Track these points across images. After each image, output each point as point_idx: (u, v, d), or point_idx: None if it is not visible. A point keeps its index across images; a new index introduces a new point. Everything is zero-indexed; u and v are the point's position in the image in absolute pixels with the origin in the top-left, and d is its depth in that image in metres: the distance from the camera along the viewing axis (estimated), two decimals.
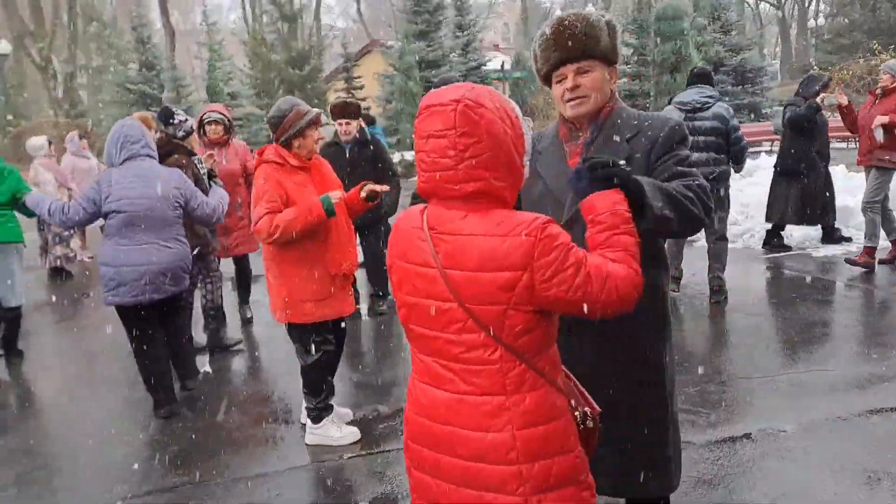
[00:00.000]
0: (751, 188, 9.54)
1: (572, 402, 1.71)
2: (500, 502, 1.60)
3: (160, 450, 3.96)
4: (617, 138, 2.02)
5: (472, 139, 1.57)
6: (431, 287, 1.62)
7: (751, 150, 18.05)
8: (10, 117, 27.70)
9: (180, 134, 5.14)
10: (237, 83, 26.03)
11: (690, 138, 5.65)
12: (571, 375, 1.78)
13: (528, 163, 1.70)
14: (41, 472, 3.83)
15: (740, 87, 24.02)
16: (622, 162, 1.72)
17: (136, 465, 3.80)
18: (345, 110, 5.48)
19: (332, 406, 3.89)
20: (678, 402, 3.97)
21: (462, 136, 1.57)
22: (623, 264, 1.62)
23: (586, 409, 1.72)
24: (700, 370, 4.49)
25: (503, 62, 28.09)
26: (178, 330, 4.65)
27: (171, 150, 5.03)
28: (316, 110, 3.78)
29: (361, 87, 26.99)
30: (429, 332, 1.67)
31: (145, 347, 4.34)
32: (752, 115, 23.31)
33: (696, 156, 5.72)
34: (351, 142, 5.64)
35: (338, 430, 3.87)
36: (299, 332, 3.74)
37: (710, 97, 5.78)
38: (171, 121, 5.14)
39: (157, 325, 4.40)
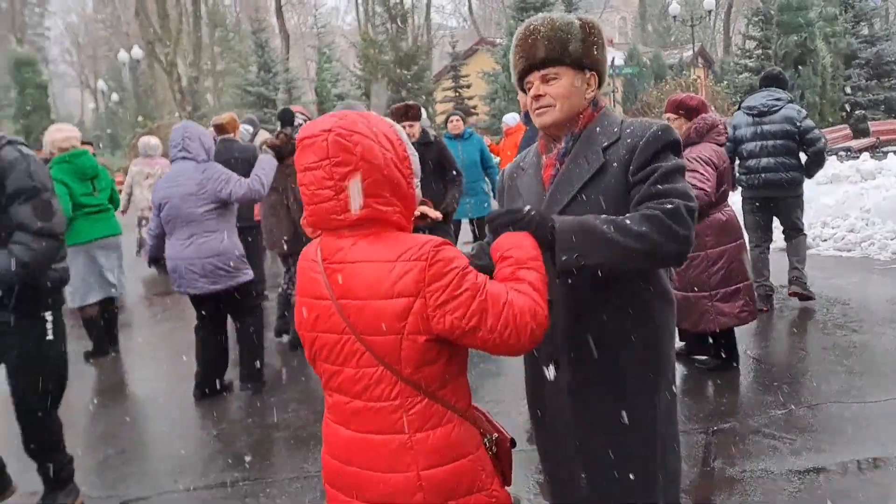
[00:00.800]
0: (874, 192, 8.68)
1: (481, 430, 1.61)
2: None
3: (226, 444, 4.08)
4: (593, 147, 1.83)
5: (348, 167, 1.51)
6: (328, 320, 1.56)
7: (884, 149, 16.63)
8: (139, 118, 29.84)
9: (297, 135, 5.49)
10: (346, 84, 26.69)
11: (756, 143, 5.38)
12: (479, 408, 1.68)
13: (418, 185, 1.64)
14: (117, 458, 4.03)
15: (875, 81, 22.26)
16: (527, 208, 1.67)
17: (202, 458, 3.93)
18: (406, 113, 5.56)
19: None
20: (765, 425, 3.70)
21: (337, 165, 1.51)
22: (526, 296, 1.50)
23: (495, 434, 1.62)
24: (789, 391, 4.13)
25: (613, 58, 27.29)
26: (245, 328, 4.84)
27: (292, 150, 5.40)
28: None
29: (469, 87, 27.06)
30: (332, 368, 1.59)
31: (200, 332, 4.78)
32: (888, 112, 21.49)
33: (764, 161, 5.41)
34: (415, 143, 5.70)
35: None
36: None
37: (779, 100, 5.48)
38: (293, 123, 5.60)
39: (216, 315, 4.76)
